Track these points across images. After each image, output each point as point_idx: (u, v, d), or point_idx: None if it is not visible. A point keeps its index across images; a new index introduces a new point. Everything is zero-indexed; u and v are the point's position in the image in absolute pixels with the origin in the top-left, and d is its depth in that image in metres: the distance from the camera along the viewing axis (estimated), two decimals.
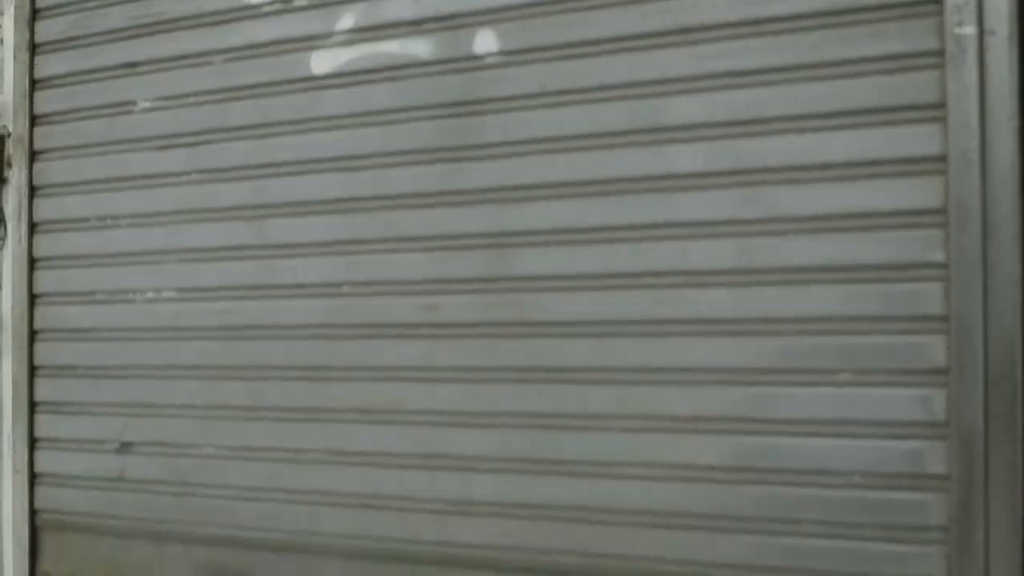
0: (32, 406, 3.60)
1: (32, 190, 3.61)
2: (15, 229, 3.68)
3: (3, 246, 3.72)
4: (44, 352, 3.58)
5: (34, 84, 3.56)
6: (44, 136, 3.51)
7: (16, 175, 3.66)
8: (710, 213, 2.52)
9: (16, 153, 3.68)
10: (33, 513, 3.60)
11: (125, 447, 3.37)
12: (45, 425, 3.58)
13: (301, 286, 3.07)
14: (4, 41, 3.67)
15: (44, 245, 3.60)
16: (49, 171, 3.51)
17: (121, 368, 3.40)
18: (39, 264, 3.62)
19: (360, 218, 2.98)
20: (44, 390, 3.58)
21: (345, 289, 3.00)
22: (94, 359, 3.46)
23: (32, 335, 3.61)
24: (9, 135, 3.68)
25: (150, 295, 3.35)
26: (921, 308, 2.31)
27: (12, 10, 3.65)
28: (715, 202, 2.51)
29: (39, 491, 3.59)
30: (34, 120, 3.56)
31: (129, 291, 3.39)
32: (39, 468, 3.60)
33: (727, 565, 2.50)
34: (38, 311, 3.60)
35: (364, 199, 2.97)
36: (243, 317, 3.17)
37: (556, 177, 2.71)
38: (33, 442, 3.60)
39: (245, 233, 3.16)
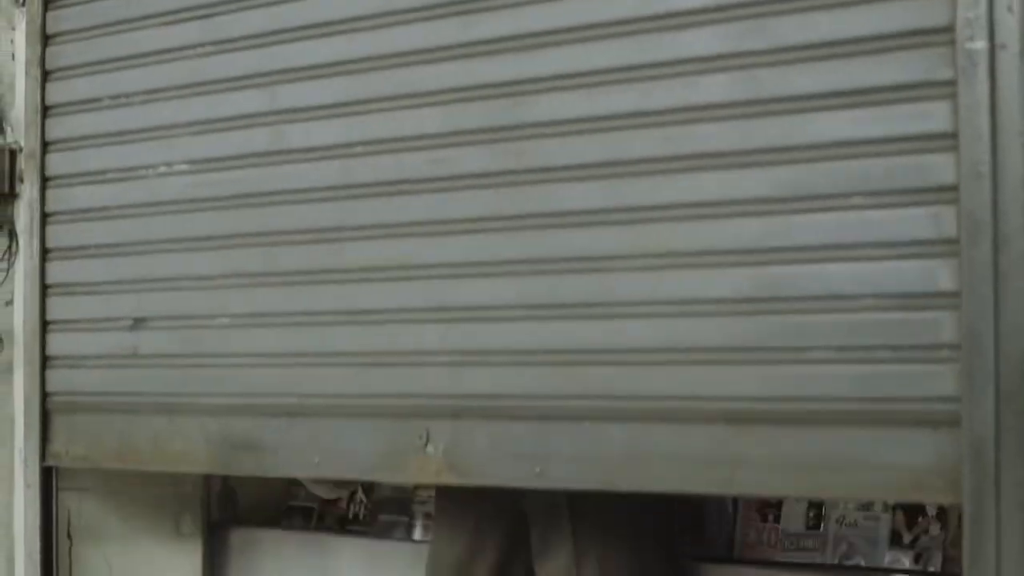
0: (44, 289, 3.61)
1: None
2: None
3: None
4: (55, 235, 3.61)
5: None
6: None
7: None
8: (716, 47, 2.52)
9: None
10: (45, 397, 3.62)
11: (138, 323, 3.39)
12: (57, 307, 3.60)
13: (313, 149, 3.08)
14: (16, 56, 3.67)
15: (56, 128, 3.62)
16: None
17: (133, 244, 3.42)
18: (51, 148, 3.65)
19: (370, 77, 2.99)
20: (55, 273, 3.59)
21: (358, 149, 3.00)
22: (106, 238, 3.48)
23: (44, 218, 3.64)
24: (20, 150, 3.68)
25: (162, 169, 3.36)
26: (928, 126, 2.32)
27: (24, 24, 3.66)
28: (720, 35, 2.52)
29: (50, 375, 3.61)
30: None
31: (140, 167, 3.41)
32: (50, 352, 3.61)
33: (737, 398, 2.50)
34: (49, 193, 3.62)
35: (373, 58, 2.98)
36: (256, 184, 3.18)
37: (564, 22, 2.71)
38: (45, 325, 3.61)
39: (257, 101, 3.17)
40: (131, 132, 3.43)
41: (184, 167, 3.32)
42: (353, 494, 4.02)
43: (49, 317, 3.63)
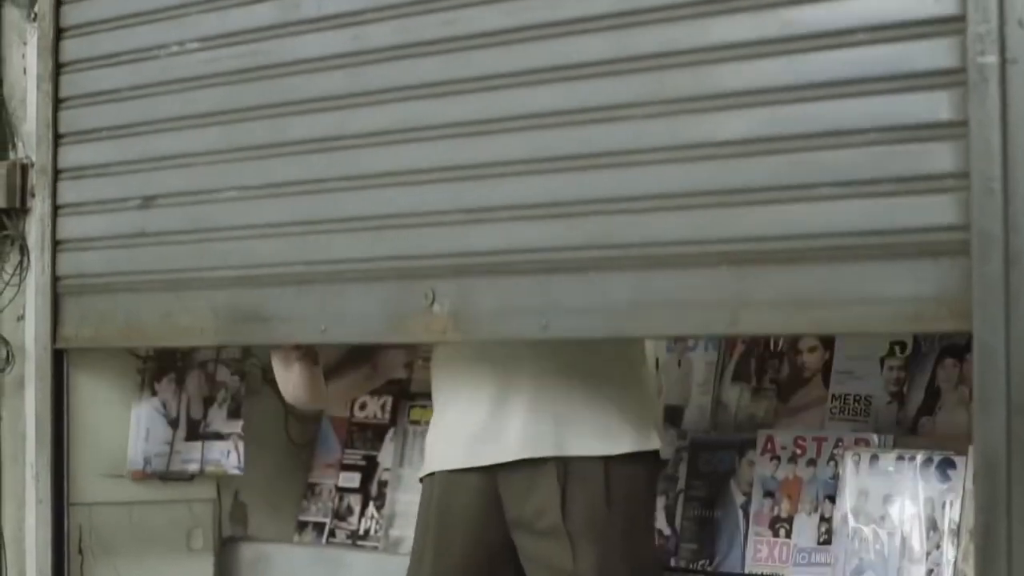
0: (56, 173, 3.62)
1: None
2: None
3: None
4: (67, 119, 3.63)
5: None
6: None
7: None
8: None
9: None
10: (55, 280, 3.63)
11: (147, 201, 3.41)
12: (68, 191, 3.61)
13: (324, 18, 3.09)
14: (27, 71, 3.72)
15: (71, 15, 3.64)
16: None
17: (144, 124, 3.44)
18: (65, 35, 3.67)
19: None
20: (67, 157, 3.60)
21: (368, 16, 3.02)
22: (117, 120, 3.50)
23: (56, 103, 3.66)
24: (32, 165, 3.73)
25: (174, 48, 3.38)
26: None
27: (35, 39, 3.70)
28: None
29: (61, 258, 3.63)
30: None
31: (153, 47, 3.42)
32: (61, 235, 3.62)
33: (741, 239, 2.49)
34: (63, 79, 3.64)
35: None
36: (266, 57, 3.20)
37: None
38: (56, 209, 3.62)
39: None
40: (144, 14, 3.45)
41: (195, 45, 3.34)
42: (364, 508, 3.98)
43: (60, 201, 3.65)
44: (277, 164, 3.16)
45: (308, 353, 3.14)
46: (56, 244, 3.68)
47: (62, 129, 3.65)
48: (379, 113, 2.99)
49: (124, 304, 3.49)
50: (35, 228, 3.76)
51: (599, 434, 3.02)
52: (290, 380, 3.23)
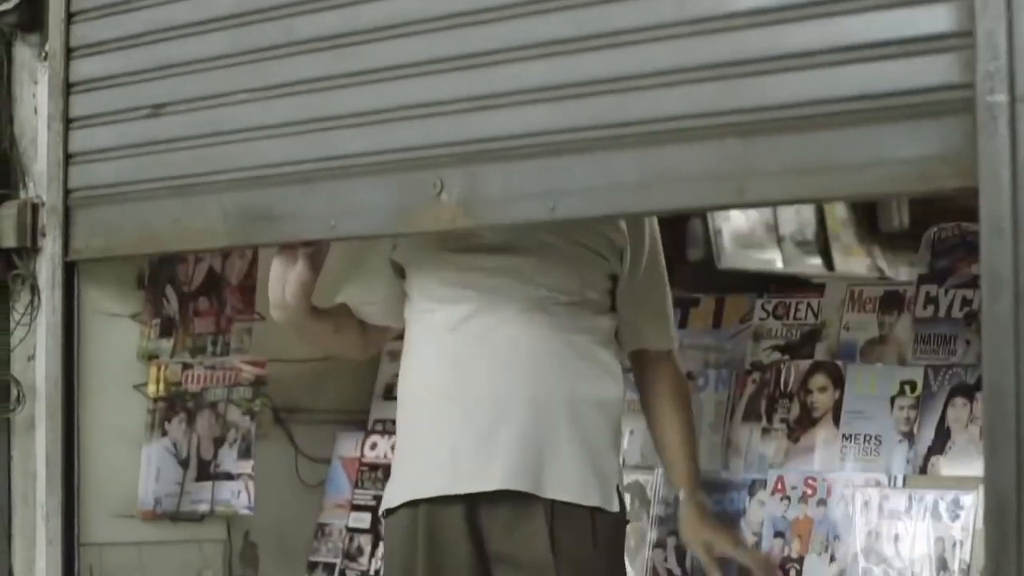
0: (67, 87, 3.63)
1: None
2: None
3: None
4: (78, 32, 3.64)
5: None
6: None
7: None
8: None
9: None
10: (66, 194, 3.65)
11: (156, 109, 3.42)
12: (79, 104, 3.63)
13: None
14: (38, 111, 3.74)
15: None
16: None
17: (155, 32, 3.45)
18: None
19: None
20: (79, 70, 3.62)
21: None
22: (127, 30, 3.51)
23: (68, 17, 3.67)
24: (43, 204, 3.75)
25: None
26: None
27: (47, 78, 3.72)
28: None
29: (72, 171, 3.65)
30: None
31: None
32: (72, 148, 3.64)
33: (747, 110, 2.50)
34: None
35: None
36: None
37: None
38: (68, 122, 3.63)
39: None
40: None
41: None
42: (375, 549, 3.97)
43: (72, 115, 3.68)
44: (285, 64, 3.18)
45: (314, 254, 3.14)
46: (68, 158, 3.69)
47: (73, 43, 3.67)
48: (384, 7, 3.01)
49: (134, 213, 3.51)
50: (45, 268, 3.79)
51: (583, 482, 3.06)
52: (287, 282, 3.16)
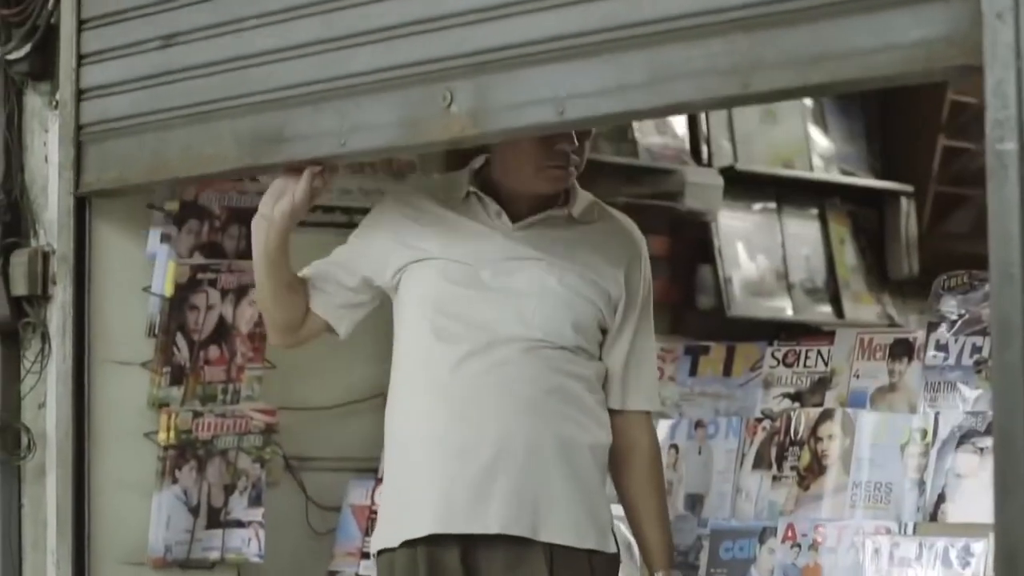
0: (80, 24, 3.70)
1: None
2: None
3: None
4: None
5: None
6: None
7: None
8: None
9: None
10: (78, 129, 3.70)
11: (168, 40, 3.47)
12: (90, 40, 3.69)
13: None
14: (48, 159, 3.76)
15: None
16: None
17: None
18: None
19: None
20: (89, 8, 3.69)
21: None
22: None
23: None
24: (53, 252, 3.77)
25: None
26: None
27: (57, 127, 3.75)
28: None
29: (84, 106, 3.71)
30: None
31: None
32: (84, 84, 3.71)
33: (753, 3, 2.51)
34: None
35: None
36: None
37: None
38: (80, 59, 3.70)
39: None
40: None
41: None
42: None
43: (84, 51, 3.71)
44: None
45: (315, 180, 3.13)
46: (80, 93, 3.72)
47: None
48: None
49: (148, 144, 3.54)
50: (56, 316, 3.80)
51: (579, 525, 3.08)
52: (281, 197, 3.15)
